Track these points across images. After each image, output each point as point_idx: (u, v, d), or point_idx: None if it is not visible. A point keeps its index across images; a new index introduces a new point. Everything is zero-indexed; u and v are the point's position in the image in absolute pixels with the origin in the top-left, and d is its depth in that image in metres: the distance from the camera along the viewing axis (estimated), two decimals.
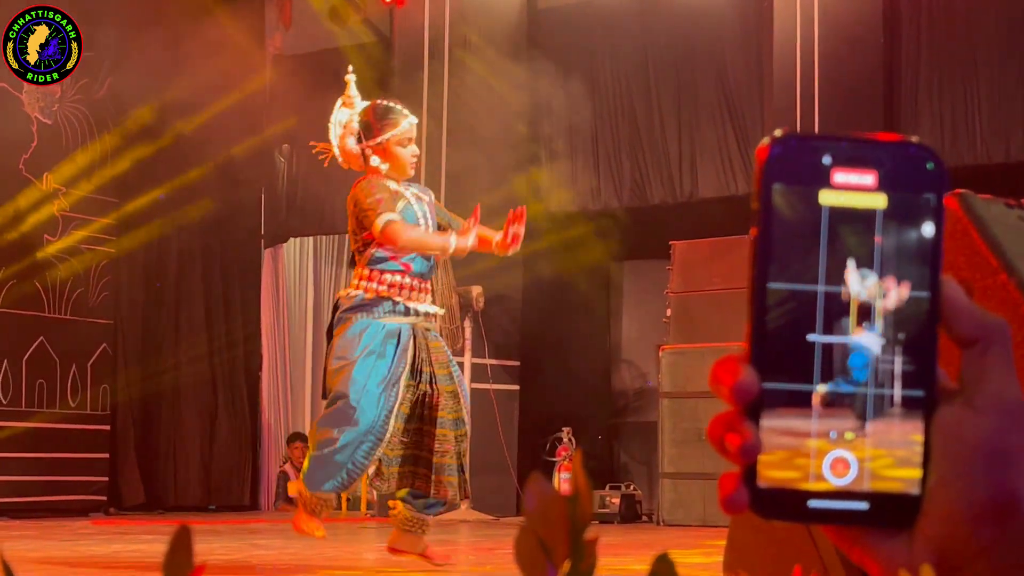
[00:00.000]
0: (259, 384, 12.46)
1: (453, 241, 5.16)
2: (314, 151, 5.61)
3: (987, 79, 9.30)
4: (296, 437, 12.34)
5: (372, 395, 5.02)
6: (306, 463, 5.15)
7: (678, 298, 9.56)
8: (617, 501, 10.15)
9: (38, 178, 10.17)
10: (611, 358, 11.95)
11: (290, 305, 13.09)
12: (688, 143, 10.59)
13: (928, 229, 0.64)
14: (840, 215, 0.63)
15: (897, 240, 0.63)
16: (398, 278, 5.20)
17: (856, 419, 0.63)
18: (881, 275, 0.63)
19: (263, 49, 12.06)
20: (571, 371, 11.43)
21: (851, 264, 0.63)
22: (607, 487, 10.40)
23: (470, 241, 5.20)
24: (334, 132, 5.35)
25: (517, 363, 11.24)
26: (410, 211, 5.25)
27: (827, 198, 0.63)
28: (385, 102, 5.41)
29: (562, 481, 9.91)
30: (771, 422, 0.63)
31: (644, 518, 10.39)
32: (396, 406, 5.07)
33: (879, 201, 0.63)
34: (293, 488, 5.19)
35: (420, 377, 5.17)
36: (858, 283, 0.63)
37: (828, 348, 0.63)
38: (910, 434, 0.64)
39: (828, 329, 0.63)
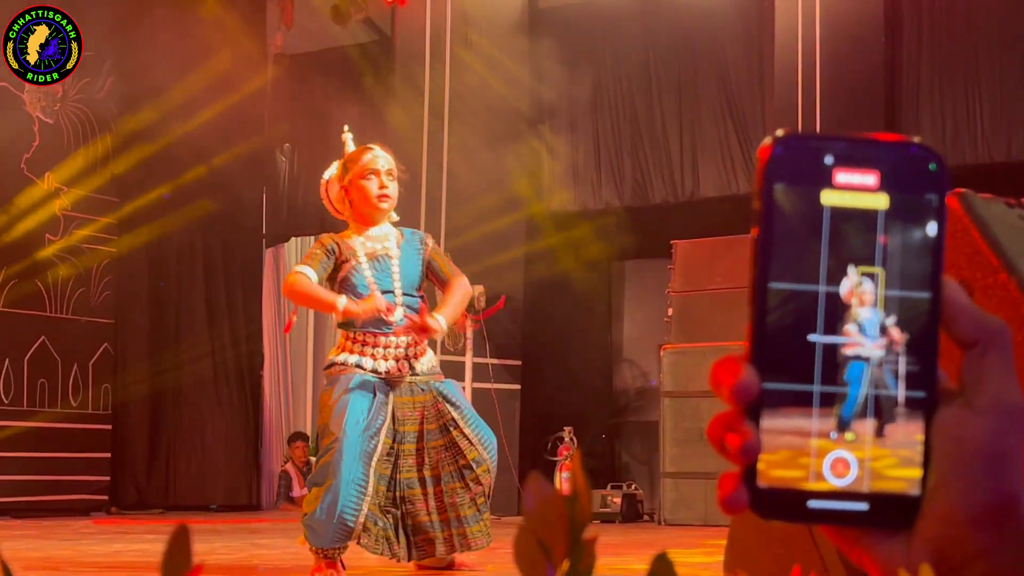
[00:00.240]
0: (260, 383, 12.46)
1: (341, 304, 4.79)
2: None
3: (988, 78, 9.31)
4: (297, 437, 12.34)
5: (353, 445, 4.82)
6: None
7: (679, 297, 9.56)
8: (619, 500, 10.15)
9: (39, 177, 10.18)
10: (612, 357, 11.95)
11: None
12: (689, 142, 10.60)
13: (930, 230, 0.63)
14: (842, 215, 0.63)
15: (898, 241, 0.63)
16: (367, 336, 4.94)
17: (856, 420, 0.63)
18: (882, 276, 0.63)
19: (265, 48, 12.06)
20: (572, 370, 11.43)
21: (852, 264, 0.63)
22: (609, 486, 10.40)
23: (361, 308, 4.80)
24: (324, 191, 5.13)
25: (518, 362, 11.24)
26: (359, 276, 4.94)
27: (829, 198, 0.63)
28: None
29: (563, 481, 9.90)
30: (771, 422, 0.63)
31: (646, 517, 10.39)
32: (378, 458, 4.86)
33: (881, 201, 0.63)
34: (301, 541, 5.04)
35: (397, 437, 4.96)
36: (859, 284, 0.63)
37: (829, 348, 0.63)
38: (910, 435, 0.64)
39: (829, 329, 0.63)
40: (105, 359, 10.79)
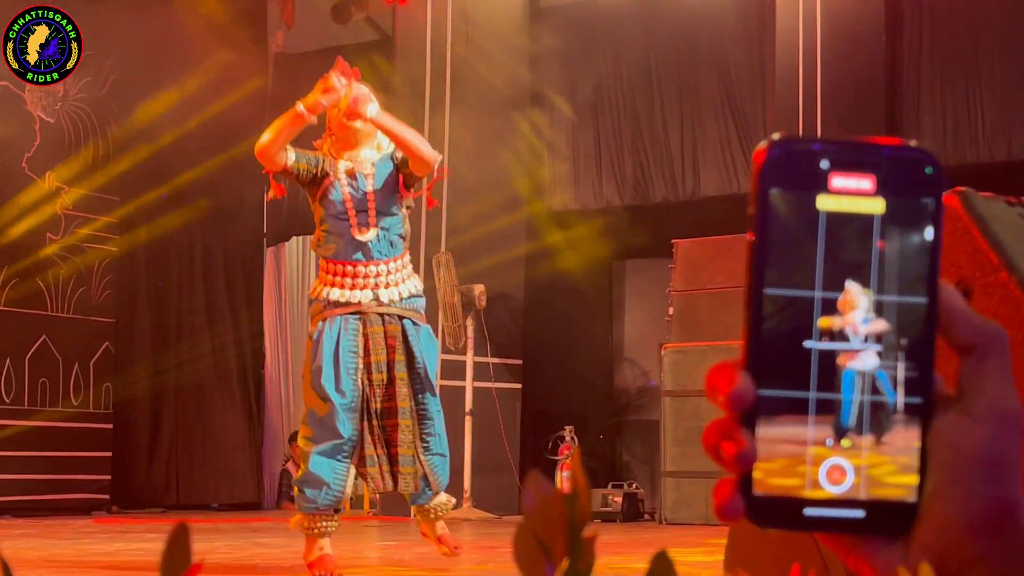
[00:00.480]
0: (262, 382, 12.46)
1: (300, 106, 4.88)
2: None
3: (989, 77, 9.31)
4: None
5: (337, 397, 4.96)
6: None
7: (680, 296, 9.56)
8: (619, 500, 10.15)
9: (41, 177, 10.18)
10: (613, 356, 11.95)
11: (292, 303, 13.09)
12: (690, 141, 10.60)
13: (927, 234, 0.63)
14: (838, 220, 0.63)
15: (895, 245, 0.63)
16: (339, 267, 5.08)
17: (853, 426, 0.63)
18: (879, 281, 0.63)
19: (265, 47, 12.06)
20: (573, 370, 11.43)
21: (848, 270, 0.63)
22: (609, 486, 10.40)
23: (315, 97, 4.92)
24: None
25: (519, 362, 11.24)
26: (336, 192, 5.06)
27: (825, 203, 0.63)
28: None
29: (564, 480, 9.90)
30: (767, 429, 0.63)
31: (646, 517, 10.39)
32: (359, 402, 4.99)
33: (877, 206, 0.63)
34: (293, 522, 5.09)
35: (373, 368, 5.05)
36: (856, 289, 0.63)
37: (825, 355, 0.63)
38: (907, 441, 0.63)
39: (825, 336, 0.63)
40: (106, 358, 10.79)
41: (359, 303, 5.04)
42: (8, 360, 9.96)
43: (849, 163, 0.63)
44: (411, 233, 5.34)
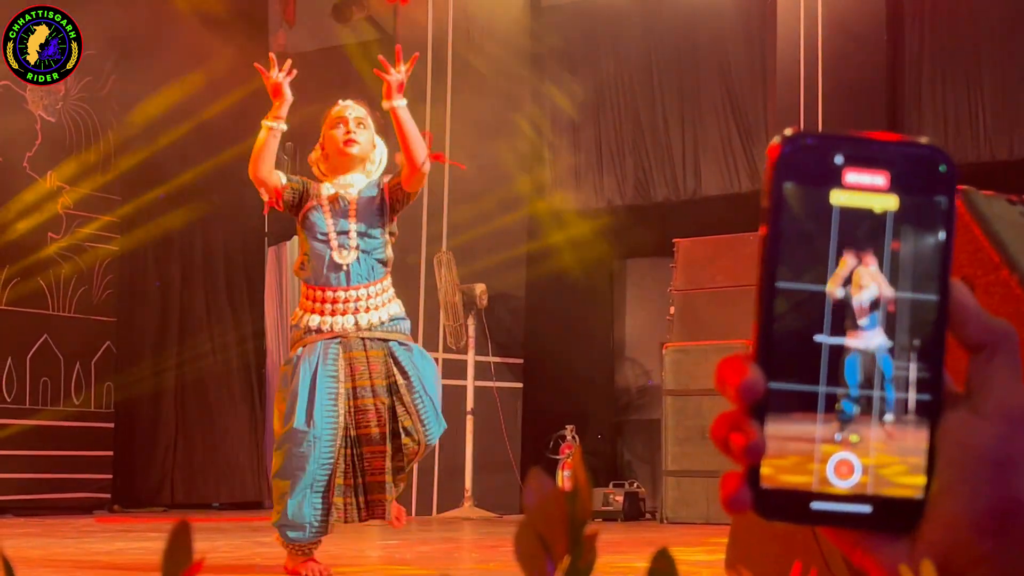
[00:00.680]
0: (263, 381, 12.46)
1: (264, 123, 4.98)
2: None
3: (990, 76, 9.30)
4: None
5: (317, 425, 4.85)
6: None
7: (681, 296, 9.56)
8: (621, 499, 10.15)
9: (42, 176, 10.18)
10: (615, 356, 11.95)
11: (294, 303, 13.09)
12: (691, 141, 10.60)
13: (939, 232, 0.63)
14: (850, 215, 0.63)
15: (907, 242, 0.63)
16: (319, 292, 5.02)
17: (861, 422, 0.63)
18: (890, 277, 0.63)
19: (267, 47, 12.06)
20: (574, 369, 11.43)
21: (860, 265, 0.63)
22: (611, 485, 10.40)
23: (283, 101, 5.01)
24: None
25: (520, 361, 11.24)
26: (318, 215, 5.06)
27: (838, 198, 0.63)
28: None
29: (565, 479, 9.90)
30: (776, 423, 0.63)
31: (648, 516, 10.39)
32: (336, 429, 4.88)
33: (890, 202, 0.63)
34: (276, 538, 5.06)
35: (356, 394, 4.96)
36: (867, 284, 0.63)
37: (835, 349, 0.63)
38: (915, 439, 0.63)
39: (835, 330, 0.63)
40: (107, 357, 10.79)
41: (342, 328, 4.97)
42: (9, 359, 9.96)
43: (863, 159, 0.63)
44: (393, 260, 5.20)
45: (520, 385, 11.19)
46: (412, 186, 5.07)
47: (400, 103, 5.04)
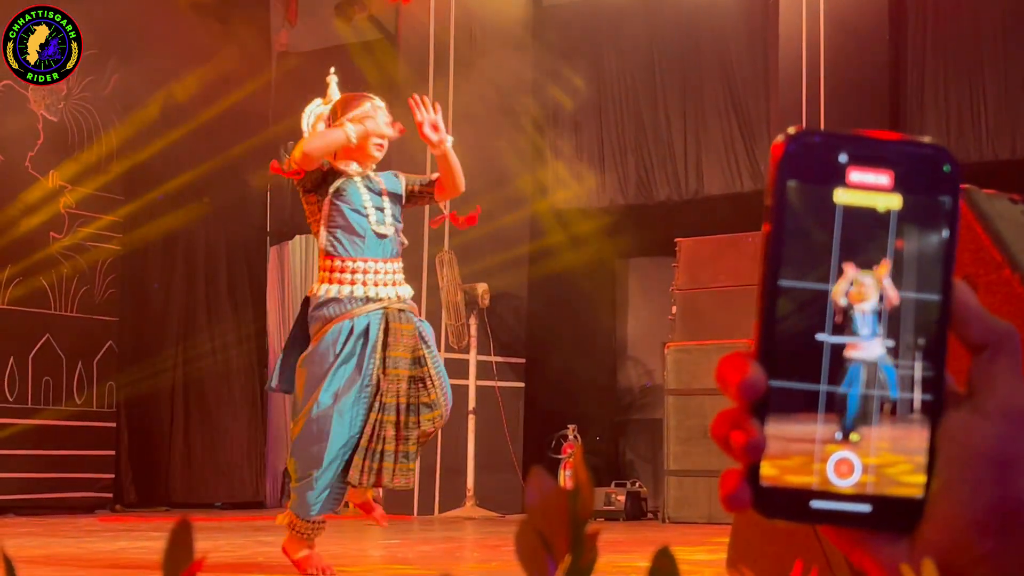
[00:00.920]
0: (265, 381, 12.46)
1: (351, 134, 4.99)
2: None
3: (993, 75, 9.30)
4: None
5: (348, 403, 4.94)
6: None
7: (684, 295, 9.56)
8: (623, 498, 10.15)
9: (44, 175, 10.18)
10: (617, 355, 11.95)
11: (296, 302, 13.08)
12: (694, 140, 10.59)
13: (942, 232, 0.63)
14: (854, 214, 0.63)
15: (911, 242, 0.63)
16: (359, 263, 5.07)
17: (862, 421, 0.63)
18: (893, 276, 0.63)
19: (269, 46, 12.06)
20: (576, 368, 11.43)
21: (863, 265, 0.63)
22: (613, 484, 10.40)
23: (363, 127, 5.03)
24: (306, 121, 5.29)
25: (522, 360, 11.24)
26: (355, 191, 5.09)
27: (842, 197, 0.63)
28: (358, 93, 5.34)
29: (567, 478, 9.91)
30: (776, 421, 0.63)
31: (649, 515, 10.39)
32: (374, 403, 4.97)
33: (894, 202, 0.63)
34: (283, 519, 5.07)
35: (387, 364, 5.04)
36: (867, 281, 0.63)
37: (836, 348, 0.63)
38: (916, 438, 0.63)
39: (837, 329, 0.63)
40: (109, 357, 10.80)
41: (387, 298, 5.05)
42: (11, 359, 9.97)
43: (868, 158, 0.63)
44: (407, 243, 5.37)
45: (522, 384, 11.19)
46: (442, 199, 5.23)
47: (448, 145, 5.06)
